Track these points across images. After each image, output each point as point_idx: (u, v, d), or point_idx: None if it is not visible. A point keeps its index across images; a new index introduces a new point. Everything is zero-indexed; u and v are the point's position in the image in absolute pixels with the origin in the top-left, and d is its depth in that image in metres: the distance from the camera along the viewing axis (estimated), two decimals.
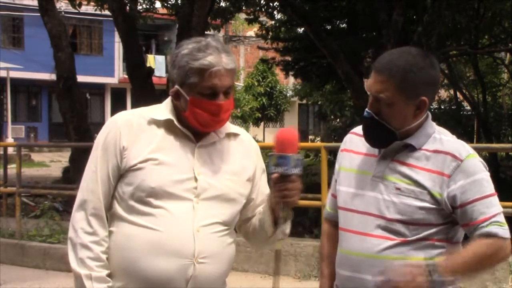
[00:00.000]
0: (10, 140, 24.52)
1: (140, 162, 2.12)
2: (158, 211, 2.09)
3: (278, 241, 2.16)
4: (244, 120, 29.40)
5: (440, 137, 2.19)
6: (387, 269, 2.03)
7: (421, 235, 2.12)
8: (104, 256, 2.10)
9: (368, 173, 2.21)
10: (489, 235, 2.08)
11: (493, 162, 17.94)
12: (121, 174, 2.14)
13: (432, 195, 2.11)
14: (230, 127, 2.28)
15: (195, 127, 2.18)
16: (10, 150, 11.46)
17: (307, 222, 8.52)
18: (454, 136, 2.25)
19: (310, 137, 34.55)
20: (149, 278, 2.07)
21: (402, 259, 2.10)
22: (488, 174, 2.16)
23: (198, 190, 2.14)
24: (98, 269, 2.08)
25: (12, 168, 9.48)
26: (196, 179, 2.14)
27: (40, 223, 8.16)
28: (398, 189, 2.13)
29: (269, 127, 33.03)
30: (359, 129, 2.33)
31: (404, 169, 2.15)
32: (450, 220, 2.15)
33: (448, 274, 2.04)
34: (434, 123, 2.24)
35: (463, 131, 20.21)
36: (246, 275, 6.62)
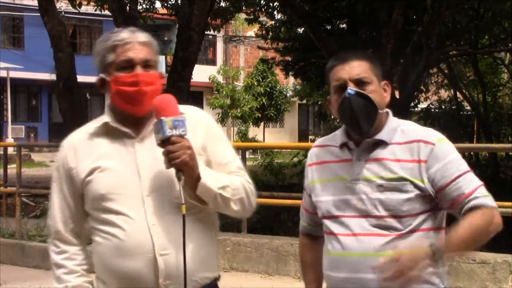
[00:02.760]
0: (10, 140, 24.54)
1: (87, 175, 2.20)
2: (114, 216, 2.15)
3: (182, 206, 2.05)
4: (244, 120, 29.39)
5: (406, 128, 2.24)
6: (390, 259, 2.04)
7: (412, 225, 2.15)
8: (78, 268, 2.25)
9: (346, 178, 2.22)
10: (478, 207, 2.12)
11: (493, 162, 17.96)
12: (80, 193, 2.24)
13: (415, 184, 2.15)
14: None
15: (125, 110, 2.20)
16: (10, 150, 11.46)
17: None
18: (417, 125, 2.31)
19: (310, 137, 34.58)
20: (122, 279, 2.15)
21: (401, 254, 2.09)
22: (459, 154, 2.21)
23: (143, 184, 2.16)
24: (74, 279, 2.24)
25: (12, 168, 9.48)
26: (139, 175, 2.16)
27: (40, 223, 8.15)
28: (381, 186, 2.16)
29: (269, 127, 33.03)
30: (320, 141, 2.39)
31: (381, 165, 2.18)
32: (435, 205, 2.19)
33: (451, 251, 2.07)
34: (395, 118, 2.29)
35: (463, 131, 20.24)
36: (246, 275, 6.62)
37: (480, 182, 2.18)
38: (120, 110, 2.22)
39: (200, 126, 2.26)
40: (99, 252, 2.21)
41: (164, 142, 2.06)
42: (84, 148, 2.24)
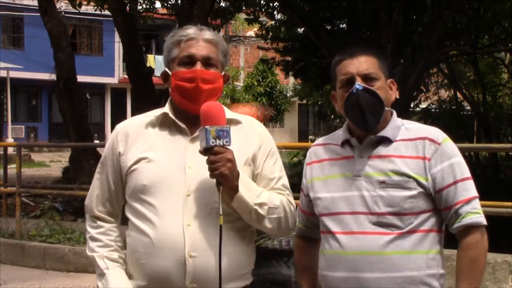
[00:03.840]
0: (10, 140, 24.53)
1: (134, 164, 2.20)
2: (152, 210, 2.14)
3: (220, 216, 2.05)
4: None
5: (411, 127, 2.24)
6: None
7: (413, 224, 2.13)
8: (112, 243, 2.27)
9: (347, 175, 2.20)
10: (474, 227, 2.13)
11: (493, 162, 17.95)
12: (124, 179, 2.23)
13: (418, 182, 2.13)
14: (229, 113, 2.25)
15: (183, 107, 2.20)
16: (10, 150, 11.46)
17: None
18: (422, 124, 2.30)
19: (310, 137, 34.56)
20: (151, 276, 2.14)
21: (401, 254, 2.11)
22: (462, 157, 2.21)
23: (187, 183, 2.14)
24: (108, 253, 2.25)
25: (12, 168, 9.48)
26: (185, 172, 2.15)
27: (40, 223, 8.15)
28: (383, 182, 2.13)
29: (269, 127, 33.03)
30: (321, 140, 2.37)
31: (384, 162, 2.16)
32: (437, 205, 2.18)
33: None
34: (399, 118, 2.27)
35: (463, 131, 20.23)
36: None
37: (475, 194, 2.17)
38: (178, 106, 2.22)
39: (254, 137, 2.26)
40: (131, 246, 2.20)
41: (207, 150, 2.06)
42: (136, 136, 2.24)
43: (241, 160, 2.18)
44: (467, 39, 16.41)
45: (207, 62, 2.18)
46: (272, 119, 31.78)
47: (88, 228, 2.31)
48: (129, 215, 2.22)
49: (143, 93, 11.22)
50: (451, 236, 2.22)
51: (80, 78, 12.70)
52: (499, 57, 20.72)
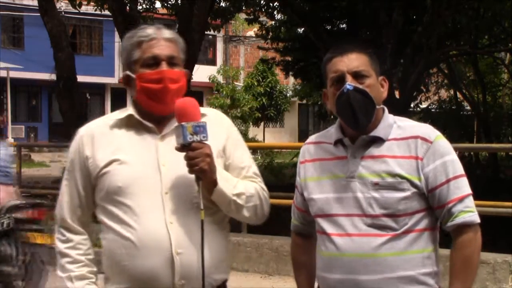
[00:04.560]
0: (10, 140, 24.53)
1: (105, 166, 2.17)
2: (130, 211, 2.12)
3: (200, 211, 2.06)
4: (244, 120, 29.37)
5: (404, 125, 2.21)
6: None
7: (408, 225, 2.12)
8: (82, 257, 2.23)
9: (340, 176, 2.18)
10: (467, 225, 2.12)
11: (493, 162, 17.95)
12: (93, 183, 2.20)
13: (411, 182, 2.12)
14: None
15: (150, 109, 2.18)
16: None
17: None
18: (413, 121, 2.28)
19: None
20: (136, 278, 2.12)
21: (396, 255, 2.11)
22: (455, 155, 2.19)
23: (163, 182, 2.14)
24: (77, 269, 2.21)
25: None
26: (160, 171, 2.14)
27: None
28: (376, 184, 2.12)
29: (269, 127, 33.01)
30: (313, 138, 2.35)
31: (377, 163, 2.14)
32: (430, 204, 2.17)
33: None
34: (390, 114, 2.25)
35: (463, 131, 20.23)
36: (246, 275, 6.62)
37: (469, 191, 2.16)
38: (144, 107, 2.21)
39: (221, 129, 2.25)
40: (109, 250, 2.17)
41: (184, 146, 2.05)
42: (103, 138, 2.20)
43: (214, 153, 2.18)
44: (467, 39, 16.43)
45: (171, 61, 2.17)
46: (272, 119, 31.76)
47: (57, 242, 2.25)
48: (103, 218, 2.19)
49: None
50: (446, 236, 2.22)
51: (80, 78, 12.70)
52: (499, 57, 20.73)
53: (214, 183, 2.11)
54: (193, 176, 2.08)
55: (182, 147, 2.06)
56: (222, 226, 2.24)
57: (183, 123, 2.05)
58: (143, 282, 2.11)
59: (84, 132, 2.25)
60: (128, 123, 2.22)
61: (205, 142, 2.07)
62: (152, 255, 2.09)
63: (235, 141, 2.29)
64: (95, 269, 2.24)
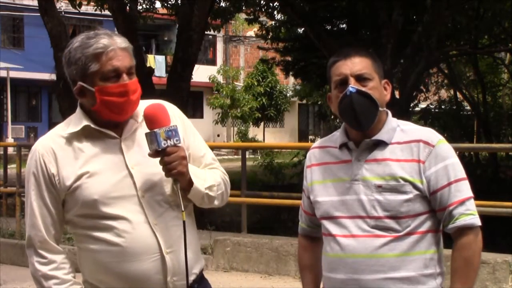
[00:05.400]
0: (10, 140, 24.53)
1: (74, 181, 2.14)
2: (112, 221, 2.12)
3: (182, 212, 2.08)
4: (244, 120, 29.39)
5: (407, 128, 2.24)
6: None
7: (411, 227, 2.15)
8: (69, 276, 2.19)
9: (345, 179, 2.22)
10: (468, 228, 2.14)
11: (493, 162, 17.96)
12: (62, 199, 2.17)
13: (413, 185, 2.15)
14: (143, 104, 2.22)
15: (110, 119, 2.16)
16: (10, 150, 11.45)
17: None
18: (416, 125, 2.31)
19: (310, 137, 34.58)
20: (129, 282, 2.13)
21: (399, 256, 2.13)
22: (457, 158, 2.21)
23: (137, 184, 2.14)
24: None
25: (12, 168, 9.48)
26: (131, 175, 2.14)
27: None
28: (380, 186, 2.15)
29: (269, 127, 33.02)
30: (319, 142, 2.39)
31: (381, 166, 2.17)
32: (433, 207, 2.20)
33: None
34: (394, 118, 2.28)
35: (463, 131, 20.24)
36: (246, 275, 6.62)
37: (470, 194, 2.18)
38: (103, 118, 2.16)
39: (175, 121, 2.22)
40: (96, 260, 2.15)
41: (158, 152, 2.06)
42: (64, 153, 2.16)
43: None
44: (467, 39, 16.44)
45: (130, 71, 2.14)
46: (272, 119, 31.76)
47: (38, 266, 2.17)
48: (79, 232, 2.19)
49: (143, 93, 11.15)
50: (448, 236, 2.23)
51: None
52: (499, 57, 20.75)
53: (190, 182, 2.14)
54: (163, 173, 2.10)
55: (155, 153, 2.07)
56: (191, 218, 2.28)
57: (155, 130, 2.06)
58: (135, 285, 2.13)
59: (43, 149, 2.18)
60: (86, 134, 2.17)
61: (179, 145, 2.09)
62: (144, 259, 2.11)
63: (189, 131, 2.30)
64: (82, 286, 2.22)
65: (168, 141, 2.06)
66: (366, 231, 2.15)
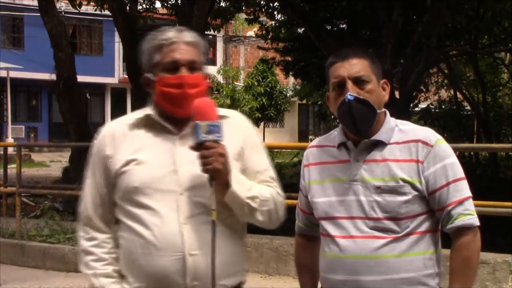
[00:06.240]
0: (10, 140, 24.54)
1: (123, 166, 2.18)
2: (145, 211, 2.13)
3: (212, 211, 2.06)
4: None
5: (405, 128, 2.23)
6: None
7: (410, 228, 2.15)
8: (107, 256, 2.23)
9: (343, 179, 2.21)
10: (467, 228, 2.14)
11: (493, 162, 17.96)
12: (113, 182, 2.22)
13: (412, 185, 2.14)
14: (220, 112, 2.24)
15: (169, 112, 2.19)
16: (10, 150, 11.45)
17: None
18: (415, 124, 2.30)
19: (310, 137, 34.57)
20: (150, 277, 2.13)
21: (398, 257, 2.13)
22: (456, 158, 2.21)
23: (180, 182, 2.14)
24: (102, 267, 2.22)
25: (12, 168, 9.48)
26: (176, 172, 2.15)
27: (40, 223, 8.15)
28: (379, 188, 2.15)
29: (269, 127, 33.03)
30: (317, 141, 2.38)
31: (379, 167, 2.17)
32: (431, 207, 2.20)
33: None
34: (392, 118, 2.28)
35: (463, 131, 20.24)
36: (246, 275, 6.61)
37: (469, 194, 2.18)
38: (163, 110, 2.21)
39: (239, 132, 2.25)
40: (126, 248, 2.18)
41: (199, 146, 2.05)
42: (122, 138, 2.22)
43: (230, 155, 2.17)
44: (467, 39, 16.43)
45: (192, 66, 2.17)
46: (272, 119, 31.77)
47: (81, 241, 2.27)
48: (121, 217, 2.21)
49: (143, 93, 11.12)
50: (447, 236, 2.23)
51: (80, 78, 12.71)
52: (499, 57, 20.74)
53: (227, 184, 2.11)
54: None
55: (197, 146, 2.06)
56: (236, 230, 2.23)
57: (197, 121, 2.05)
58: (156, 281, 2.13)
59: (106, 131, 2.27)
60: (147, 123, 2.22)
61: (220, 142, 2.07)
62: (164, 255, 2.10)
63: (252, 145, 2.28)
64: (118, 268, 2.24)
65: (209, 135, 2.05)
66: (365, 232, 2.15)
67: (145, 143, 2.20)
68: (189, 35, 2.21)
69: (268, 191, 2.23)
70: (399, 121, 2.27)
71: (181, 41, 2.18)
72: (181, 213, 2.12)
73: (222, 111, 2.25)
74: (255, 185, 2.21)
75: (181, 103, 2.15)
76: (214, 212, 2.06)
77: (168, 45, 2.17)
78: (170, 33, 2.19)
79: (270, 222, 2.26)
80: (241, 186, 2.14)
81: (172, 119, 2.21)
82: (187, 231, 2.11)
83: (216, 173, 2.06)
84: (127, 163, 2.17)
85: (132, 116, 2.28)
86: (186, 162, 2.14)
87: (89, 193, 2.27)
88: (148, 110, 2.24)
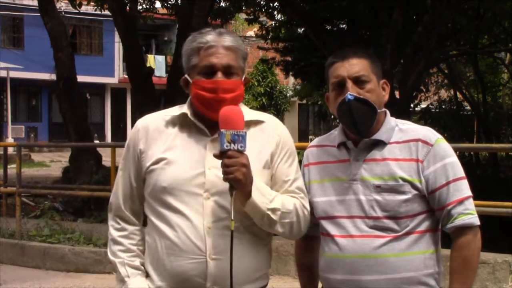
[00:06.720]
0: (10, 140, 24.52)
1: (153, 164, 2.19)
2: (172, 212, 2.14)
3: (231, 221, 2.05)
4: None
5: (405, 128, 2.24)
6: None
7: (410, 227, 2.15)
8: (134, 247, 2.26)
9: (343, 179, 2.22)
10: (467, 227, 2.14)
11: (493, 162, 17.97)
12: (143, 177, 2.23)
13: (412, 184, 2.14)
14: (250, 114, 2.23)
15: (203, 113, 2.19)
16: (10, 150, 11.46)
17: None
18: (415, 124, 2.30)
19: (310, 137, 34.55)
20: (172, 276, 2.15)
21: (398, 256, 2.13)
22: (456, 157, 2.21)
23: (207, 185, 2.13)
24: (129, 258, 2.25)
25: (12, 168, 9.49)
26: (205, 174, 2.14)
27: (40, 223, 8.15)
28: (378, 186, 2.15)
29: None
30: (317, 141, 2.39)
31: (379, 166, 2.17)
32: (431, 206, 2.19)
33: None
34: (392, 117, 2.28)
35: (463, 131, 20.25)
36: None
37: (469, 193, 2.18)
38: (198, 111, 2.21)
39: (273, 138, 2.23)
40: (151, 246, 2.20)
41: (223, 154, 2.05)
42: (157, 134, 2.22)
43: (261, 163, 2.18)
44: (467, 39, 16.43)
45: (228, 71, 2.16)
46: None
47: (111, 230, 2.30)
48: (148, 214, 2.23)
49: (143, 93, 11.20)
50: (447, 236, 2.23)
51: (80, 78, 12.70)
52: (499, 57, 20.76)
53: (248, 194, 2.09)
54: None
55: (220, 155, 2.05)
56: (260, 236, 2.22)
57: (222, 130, 2.05)
58: (178, 283, 2.13)
59: (141, 125, 2.27)
60: (182, 122, 2.23)
61: (243, 151, 2.05)
62: (187, 257, 2.11)
63: (284, 153, 2.25)
64: (143, 260, 2.26)
65: (232, 144, 2.04)
66: (364, 231, 2.15)
67: (178, 142, 2.20)
68: (229, 39, 2.19)
69: (292, 203, 2.20)
70: (399, 121, 2.27)
71: (219, 45, 2.17)
72: (206, 216, 2.12)
73: (257, 115, 2.25)
74: (278, 196, 2.19)
75: (215, 107, 2.14)
76: (233, 222, 2.05)
77: (206, 48, 2.16)
78: (209, 37, 2.18)
79: (291, 234, 2.24)
80: (262, 196, 2.13)
81: (206, 121, 2.20)
82: (210, 235, 2.11)
83: (237, 182, 2.05)
84: (158, 161, 2.18)
85: (169, 112, 2.27)
86: (215, 166, 2.12)
87: (120, 184, 2.29)
88: (185, 109, 2.24)
